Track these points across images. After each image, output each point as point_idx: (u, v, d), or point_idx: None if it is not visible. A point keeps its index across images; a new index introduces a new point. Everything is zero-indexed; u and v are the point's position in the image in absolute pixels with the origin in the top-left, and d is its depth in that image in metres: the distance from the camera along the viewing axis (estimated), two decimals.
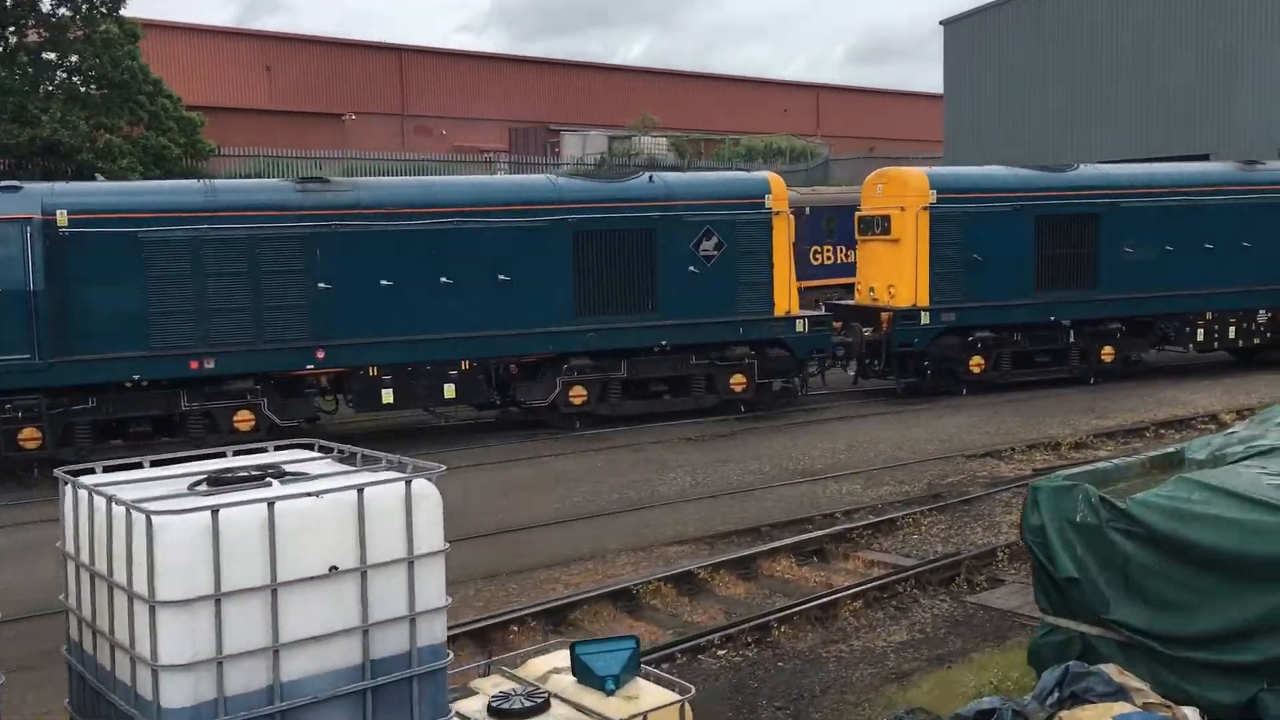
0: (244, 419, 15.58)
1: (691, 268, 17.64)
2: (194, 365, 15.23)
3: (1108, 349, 20.15)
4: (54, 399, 14.72)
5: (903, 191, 19.19)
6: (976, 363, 19.33)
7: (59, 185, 15.64)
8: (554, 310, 16.97)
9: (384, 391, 16.12)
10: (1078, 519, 6.76)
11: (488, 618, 9.02)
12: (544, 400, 17.09)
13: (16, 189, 14.82)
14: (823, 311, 19.29)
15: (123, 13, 33.28)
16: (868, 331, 19.04)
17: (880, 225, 19.35)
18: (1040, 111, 36.92)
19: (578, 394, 17.17)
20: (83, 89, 33.57)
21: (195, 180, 16.82)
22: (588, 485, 13.73)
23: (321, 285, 15.80)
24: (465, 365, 16.50)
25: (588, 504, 12.91)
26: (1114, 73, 34.95)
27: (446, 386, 16.41)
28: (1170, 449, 7.99)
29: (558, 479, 14.13)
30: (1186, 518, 6.38)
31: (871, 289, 19.82)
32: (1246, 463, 7.36)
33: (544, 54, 72.39)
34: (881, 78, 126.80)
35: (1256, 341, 21.21)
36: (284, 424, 15.79)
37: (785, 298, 18.24)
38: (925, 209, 18.84)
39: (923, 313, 18.82)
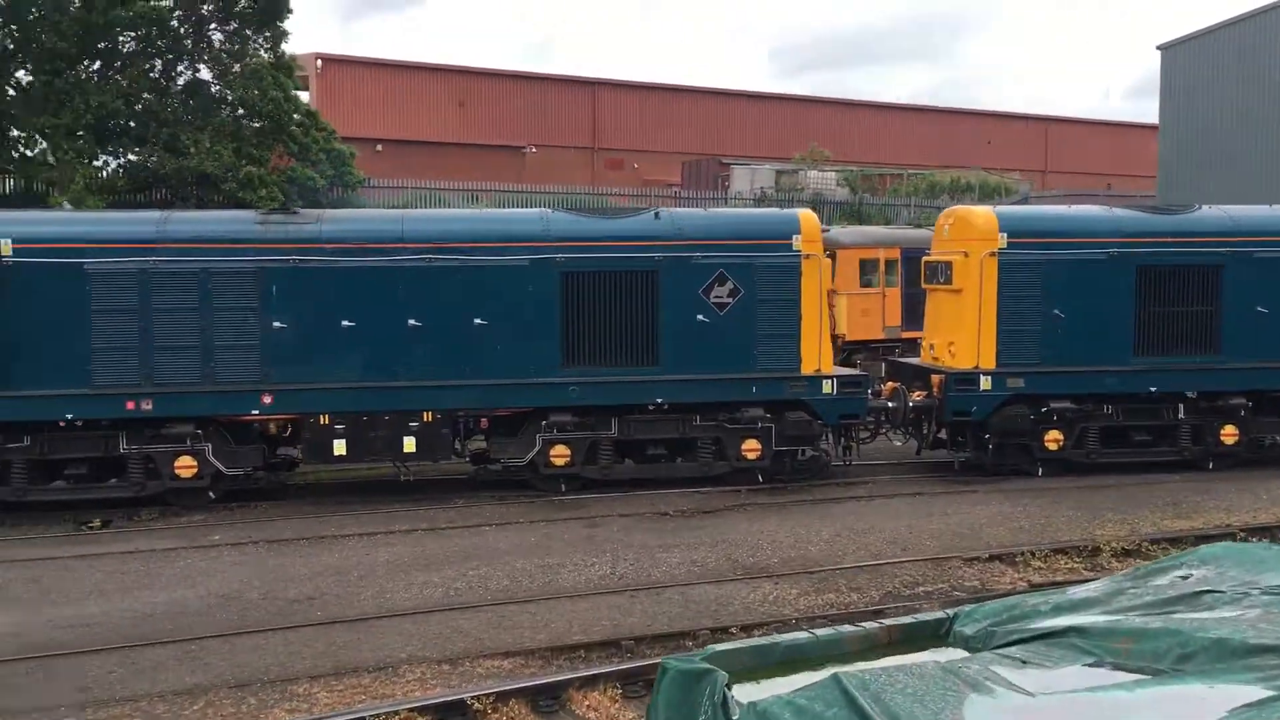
0: (185, 465, 14.59)
1: (700, 316, 15.53)
2: (130, 405, 14.36)
3: (1229, 429, 16.59)
4: None
5: (966, 234, 16.41)
6: (1053, 438, 16.23)
7: (6, 214, 15.17)
8: (535, 359, 15.23)
9: (336, 442, 14.78)
10: None
11: None
12: (521, 459, 15.35)
13: None
14: (856, 371, 16.66)
15: (310, 49, 33.70)
16: (919, 395, 16.33)
17: (943, 273, 16.63)
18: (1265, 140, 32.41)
19: (560, 454, 15.33)
20: (233, 121, 34.42)
21: (153, 210, 16.06)
22: (486, 568, 11.88)
23: (276, 324, 14.67)
24: (427, 417, 14.98)
25: (455, 594, 11.05)
26: None
27: (406, 439, 14.93)
28: (938, 614, 5.53)
29: (463, 556, 12.34)
30: None
31: (933, 346, 17.09)
32: (1001, 651, 4.93)
33: (810, 91, 70.30)
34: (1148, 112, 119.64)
35: None
36: (229, 472, 14.73)
37: (815, 354, 15.83)
38: (992, 255, 16.00)
39: (983, 376, 15.95)
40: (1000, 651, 4.94)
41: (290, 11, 33.91)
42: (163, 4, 32.16)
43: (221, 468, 14.67)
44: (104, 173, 32.83)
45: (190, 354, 14.55)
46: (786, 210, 16.99)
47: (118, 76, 32.46)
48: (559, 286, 15.25)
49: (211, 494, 14.90)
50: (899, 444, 17.07)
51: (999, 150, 60.07)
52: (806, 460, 16.15)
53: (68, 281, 14.30)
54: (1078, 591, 5.88)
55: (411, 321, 14.95)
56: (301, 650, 9.46)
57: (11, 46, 31.90)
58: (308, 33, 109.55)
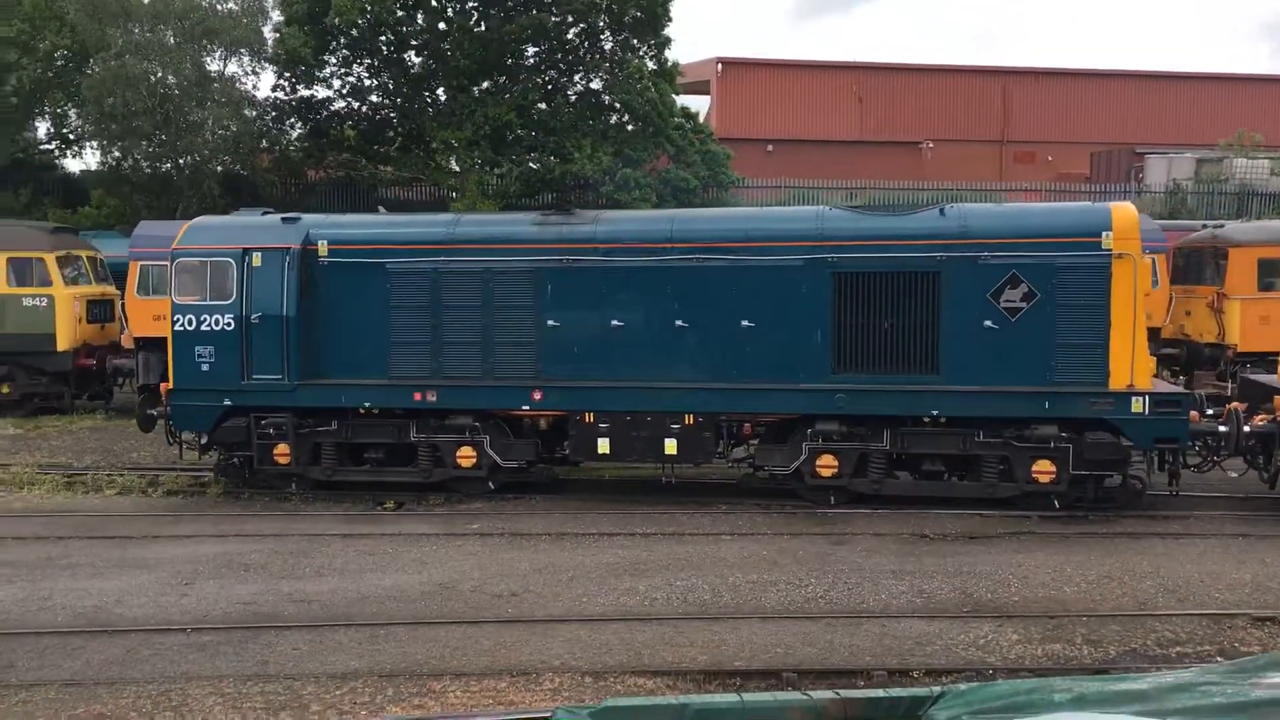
0: (466, 455, 15.34)
1: (988, 322, 14.14)
2: (417, 397, 15.29)
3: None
4: (301, 419, 15.61)
5: None
6: None
7: (324, 217, 16.56)
8: (804, 364, 14.55)
9: (600, 441, 14.92)
10: None
11: None
12: (786, 467, 14.74)
13: (295, 219, 15.97)
14: (1177, 388, 14.37)
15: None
16: (1262, 419, 13.92)
17: None
18: None
19: (827, 464, 14.56)
20: (617, 126, 35.94)
21: (446, 213, 16.88)
22: (696, 578, 11.48)
23: (550, 322, 15.05)
24: (688, 419, 14.74)
25: (649, 603, 10.74)
26: None
27: (668, 441, 14.78)
28: (919, 691, 4.55)
29: (683, 564, 12.00)
30: None
31: None
32: None
33: None
34: None
35: None
36: (505, 464, 15.31)
37: (1127, 366, 13.92)
38: None
39: None
40: None
41: (670, 19, 34.94)
42: (557, 18, 34.15)
43: (498, 459, 15.26)
44: (498, 179, 35.43)
45: (472, 350, 15.24)
46: (1097, 204, 15.06)
47: (514, 91, 34.90)
48: (831, 288, 14.47)
49: (491, 484, 15.56)
50: (1234, 475, 14.63)
51: None
52: (1115, 487, 14.25)
53: (372, 280, 15.45)
54: (1139, 681, 4.68)
55: (679, 322, 14.78)
56: (469, 647, 9.58)
57: (433, 65, 35.24)
58: (723, 37, 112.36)
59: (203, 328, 15.51)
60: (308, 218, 16.17)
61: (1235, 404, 14.66)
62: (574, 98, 36.52)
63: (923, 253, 14.31)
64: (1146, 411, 13.76)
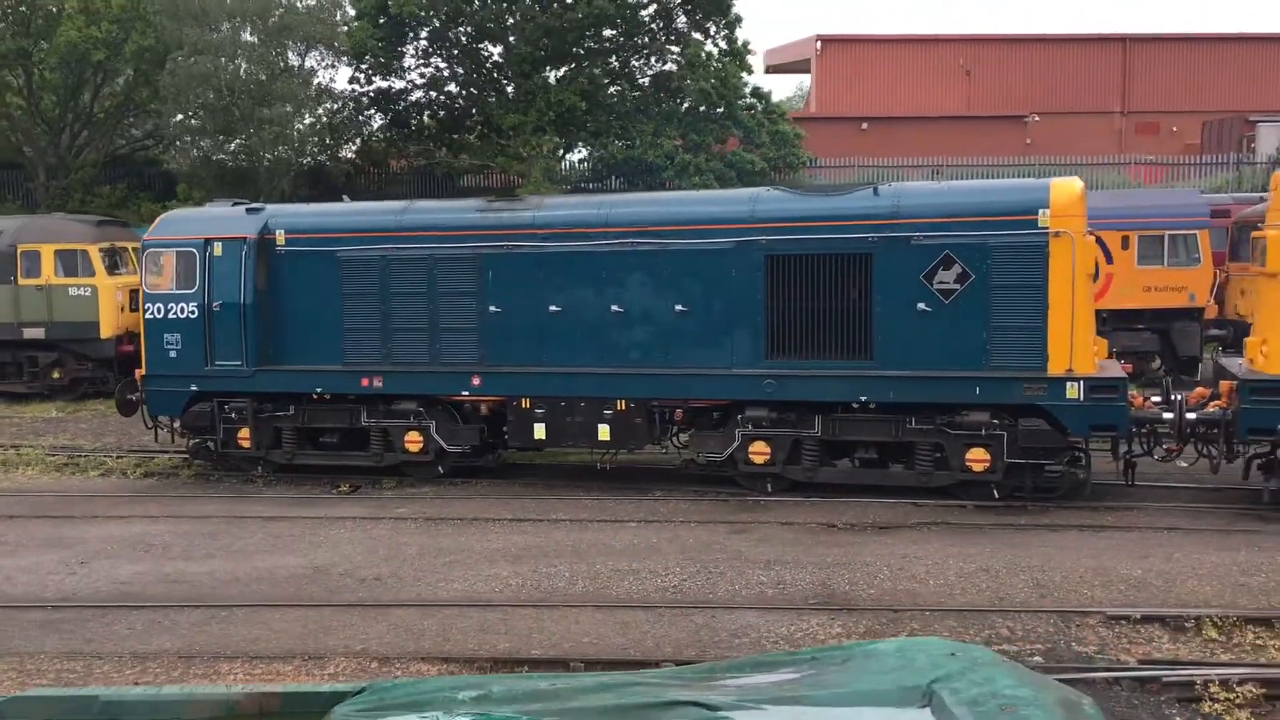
0: (413, 440, 15.57)
1: (922, 304, 13.59)
2: (364, 382, 15.58)
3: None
4: (260, 404, 16.09)
5: None
6: None
7: (285, 207, 16.96)
8: (738, 350, 14.28)
9: (536, 426, 14.94)
10: None
11: None
12: (719, 454, 14.48)
13: (259, 210, 16.45)
14: (1114, 373, 13.47)
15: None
16: (1214, 405, 13.00)
17: (1260, 250, 13.07)
18: None
19: (759, 451, 14.25)
20: (687, 110, 35.71)
21: (397, 202, 17.05)
22: (561, 565, 11.42)
23: (492, 308, 15.14)
24: (620, 405, 14.62)
25: (497, 590, 10.74)
26: None
27: (600, 427, 14.70)
28: (342, 686, 4.47)
29: (567, 551, 11.94)
30: None
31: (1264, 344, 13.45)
32: None
33: None
34: None
35: None
36: (450, 449, 15.48)
37: (1065, 350, 13.20)
38: None
39: None
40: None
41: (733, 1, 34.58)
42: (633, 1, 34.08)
43: (444, 444, 15.44)
44: (564, 164, 35.60)
45: (419, 336, 15.44)
46: (1033, 180, 14.27)
47: (583, 76, 35.04)
48: (763, 271, 14.13)
49: (440, 469, 15.75)
50: (1184, 465, 13.70)
51: None
52: (1056, 476, 13.54)
53: (326, 267, 15.78)
54: (577, 680, 4.53)
55: (614, 308, 14.67)
56: (289, 630, 9.76)
57: (500, 59, 35.71)
58: (824, 14, 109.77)
59: (170, 316, 16.13)
60: (270, 208, 16.64)
61: (1200, 390, 13.77)
62: (645, 81, 36.51)
63: (855, 233, 13.84)
64: (1081, 397, 13.02)
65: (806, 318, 14.03)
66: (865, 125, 49.03)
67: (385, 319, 15.56)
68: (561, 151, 36.09)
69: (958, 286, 13.49)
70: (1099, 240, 21.14)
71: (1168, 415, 13.15)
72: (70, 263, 23.60)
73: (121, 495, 15.53)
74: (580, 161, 38.38)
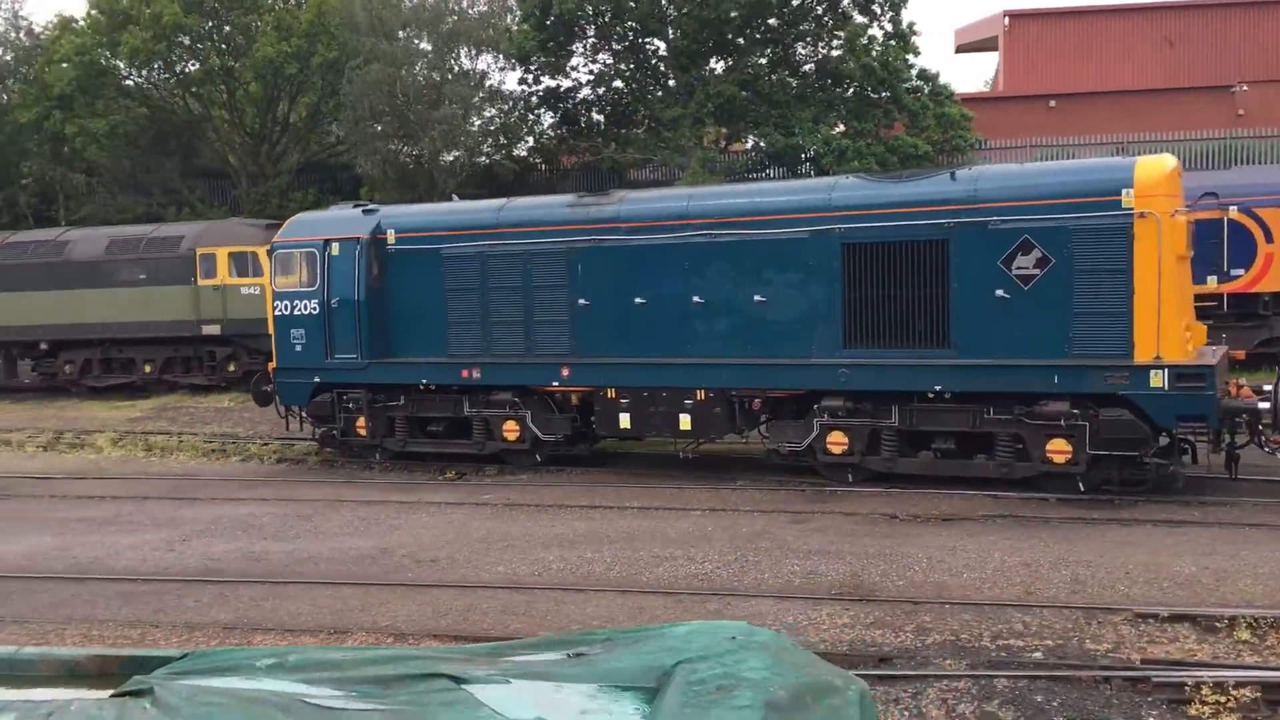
0: (511, 429, 16.16)
1: (1000, 291, 13.18)
2: (465, 374, 16.26)
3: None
4: (374, 395, 17.01)
5: None
6: None
7: (398, 207, 17.78)
8: (816, 339, 14.19)
9: (621, 416, 15.25)
10: None
11: None
12: (798, 444, 14.41)
13: (373, 211, 17.38)
14: (1206, 360, 12.59)
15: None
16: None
17: None
18: None
19: (837, 441, 14.13)
20: (853, 96, 35.26)
21: (497, 199, 17.56)
22: (606, 551, 11.68)
23: (580, 301, 15.54)
24: (700, 395, 14.75)
25: (535, 575, 11.10)
26: None
27: (682, 416, 14.88)
28: (170, 651, 4.89)
29: (621, 538, 12.19)
30: None
31: None
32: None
33: None
34: None
35: None
36: (545, 438, 15.99)
37: (1152, 337, 12.55)
38: None
39: None
40: None
41: None
42: None
43: (539, 433, 15.96)
44: (725, 156, 35.71)
45: (515, 328, 16.01)
46: (1119, 159, 13.50)
47: (748, 66, 35.14)
48: (839, 260, 14.00)
49: (538, 457, 16.28)
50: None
51: None
52: (1148, 469, 12.86)
53: (430, 264, 16.56)
54: (378, 651, 4.83)
55: (695, 299, 14.83)
56: (328, 605, 10.40)
57: (664, 53, 36.18)
58: None
59: (295, 312, 17.25)
60: (384, 209, 17.53)
61: None
62: (809, 68, 36.22)
63: (931, 219, 13.54)
64: (1167, 386, 12.34)
65: (883, 306, 13.81)
66: (1053, 103, 47.01)
67: (484, 312, 16.19)
68: (724, 143, 36.21)
69: (1037, 272, 13.00)
70: (1259, 219, 19.89)
71: (1264, 405, 12.30)
72: (242, 264, 25.43)
73: (246, 479, 16.74)
74: (749, 149, 38.38)
